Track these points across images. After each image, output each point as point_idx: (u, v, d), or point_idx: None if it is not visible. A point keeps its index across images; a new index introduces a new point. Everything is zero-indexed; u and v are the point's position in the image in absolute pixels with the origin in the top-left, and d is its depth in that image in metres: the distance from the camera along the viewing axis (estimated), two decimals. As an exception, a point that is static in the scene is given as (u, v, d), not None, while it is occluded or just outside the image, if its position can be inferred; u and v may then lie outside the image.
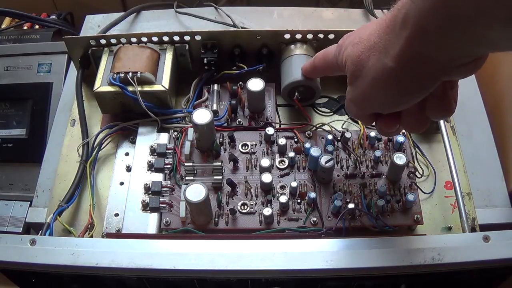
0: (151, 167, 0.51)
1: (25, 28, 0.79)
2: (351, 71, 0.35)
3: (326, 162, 0.47)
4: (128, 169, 0.52)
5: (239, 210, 0.48)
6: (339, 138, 0.52)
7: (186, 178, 0.50)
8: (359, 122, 0.53)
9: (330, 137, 0.51)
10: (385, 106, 0.35)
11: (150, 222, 0.48)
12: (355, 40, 0.35)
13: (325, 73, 0.47)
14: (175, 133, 0.53)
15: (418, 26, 0.28)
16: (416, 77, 0.30)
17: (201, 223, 0.47)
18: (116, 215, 0.49)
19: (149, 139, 0.53)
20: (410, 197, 0.47)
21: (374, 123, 0.39)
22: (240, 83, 0.55)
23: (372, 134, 0.51)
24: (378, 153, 0.50)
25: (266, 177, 0.48)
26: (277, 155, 0.51)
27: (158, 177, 0.51)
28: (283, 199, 0.47)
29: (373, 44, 0.32)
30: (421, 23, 0.27)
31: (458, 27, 0.26)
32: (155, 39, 0.55)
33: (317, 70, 0.48)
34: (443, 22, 0.26)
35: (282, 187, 0.49)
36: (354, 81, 0.35)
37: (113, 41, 0.55)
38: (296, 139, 0.52)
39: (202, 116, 0.49)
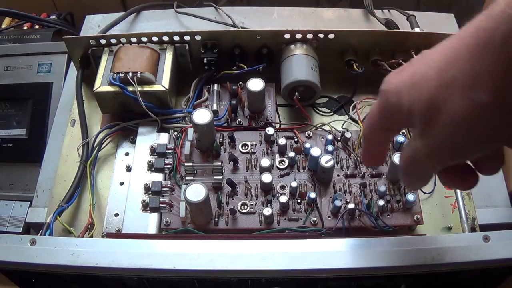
0: (151, 167, 0.51)
1: (25, 28, 0.79)
2: (423, 120, 0.28)
3: (326, 162, 0.47)
4: (128, 169, 0.52)
5: (239, 210, 0.48)
6: (339, 138, 0.52)
7: (186, 178, 0.50)
8: (359, 122, 0.53)
9: (330, 137, 0.51)
10: (473, 151, 0.28)
11: (150, 222, 0.48)
12: (414, 78, 0.28)
13: (384, 142, 0.36)
14: (175, 133, 0.53)
15: None
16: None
17: (201, 223, 0.47)
18: (116, 215, 0.49)
19: (149, 139, 0.53)
20: (410, 197, 0.47)
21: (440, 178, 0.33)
22: (240, 83, 0.55)
23: (372, 134, 0.51)
24: (378, 153, 0.50)
25: (266, 177, 0.48)
26: (277, 155, 0.51)
27: (158, 177, 0.51)
28: (283, 199, 0.47)
29: (451, 79, 0.26)
30: None
31: None
32: (155, 39, 0.55)
33: (373, 146, 0.36)
34: None
35: (282, 187, 0.49)
36: (428, 129, 0.28)
37: (113, 41, 0.55)
38: (296, 139, 0.52)
39: (202, 116, 0.49)
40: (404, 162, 0.32)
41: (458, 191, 0.47)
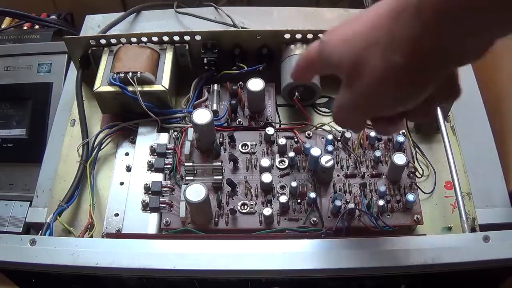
0: (151, 167, 0.51)
1: (25, 28, 0.79)
2: (347, 72, 0.31)
3: (326, 162, 0.47)
4: (128, 169, 0.52)
5: (239, 210, 0.48)
6: (339, 138, 0.52)
7: (186, 178, 0.50)
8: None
9: (330, 137, 0.51)
10: (392, 107, 0.31)
11: (150, 222, 0.48)
12: (346, 36, 0.31)
13: (312, 74, 0.41)
14: (175, 133, 0.53)
15: (436, 13, 0.25)
16: (429, 70, 0.28)
17: (201, 223, 0.47)
18: (116, 215, 0.49)
19: (149, 139, 0.53)
20: (410, 197, 0.47)
21: (371, 123, 0.36)
22: (240, 83, 0.55)
23: (372, 134, 0.51)
24: (378, 153, 0.50)
25: (266, 177, 0.48)
26: (277, 155, 0.51)
27: (158, 177, 0.51)
28: (283, 199, 0.47)
29: (374, 40, 0.29)
30: (440, 9, 0.25)
31: (481, 9, 0.24)
32: (155, 39, 0.55)
33: (302, 71, 0.40)
34: (466, 2, 0.24)
35: (282, 187, 0.49)
36: (353, 83, 0.31)
37: (113, 41, 0.55)
38: (296, 139, 0.52)
39: (202, 116, 0.49)
40: (334, 110, 0.35)
41: (458, 191, 0.47)
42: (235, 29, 0.64)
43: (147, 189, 0.50)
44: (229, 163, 0.51)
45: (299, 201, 0.48)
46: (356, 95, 0.32)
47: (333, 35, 0.32)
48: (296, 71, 0.40)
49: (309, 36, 0.55)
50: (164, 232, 0.48)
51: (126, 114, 0.54)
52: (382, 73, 0.29)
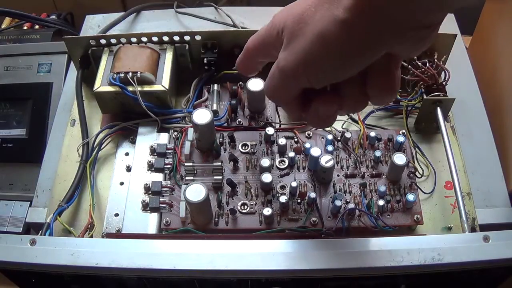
0: (151, 167, 0.51)
1: (25, 28, 0.79)
2: (289, 32, 0.30)
3: (326, 162, 0.47)
4: (128, 169, 0.52)
5: (239, 210, 0.48)
6: (339, 138, 0.52)
7: (186, 178, 0.50)
8: (359, 122, 0.53)
9: (330, 137, 0.51)
10: (326, 72, 0.30)
11: (150, 222, 0.48)
12: (293, 3, 0.31)
13: (260, 56, 0.38)
14: (175, 133, 0.53)
15: None
16: (367, 34, 0.27)
17: (201, 223, 0.47)
18: (116, 215, 0.49)
19: (149, 139, 0.53)
20: (410, 197, 0.47)
21: (306, 114, 0.34)
22: (240, 83, 0.55)
23: (372, 134, 0.51)
24: (378, 153, 0.50)
25: (266, 177, 0.48)
26: (277, 155, 0.51)
27: (158, 177, 0.51)
28: (283, 199, 0.47)
29: None
30: None
31: None
32: (155, 39, 0.55)
33: (250, 54, 0.37)
34: None
35: (282, 187, 0.49)
36: (292, 42, 0.30)
37: (113, 41, 0.55)
38: (296, 139, 0.52)
39: (202, 116, 0.49)
40: (267, 79, 0.33)
41: (458, 191, 0.47)
42: (235, 29, 0.64)
43: (147, 189, 0.50)
44: (229, 163, 0.51)
45: (299, 201, 0.48)
46: (294, 55, 0.30)
47: (283, 9, 0.32)
48: (243, 55, 0.37)
49: (309, 36, 0.55)
50: (164, 232, 0.48)
51: (126, 114, 0.54)
52: (324, 28, 0.28)
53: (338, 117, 0.55)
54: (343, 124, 0.55)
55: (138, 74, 0.51)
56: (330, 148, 0.51)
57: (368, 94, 0.32)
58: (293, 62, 0.30)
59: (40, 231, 0.46)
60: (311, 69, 0.30)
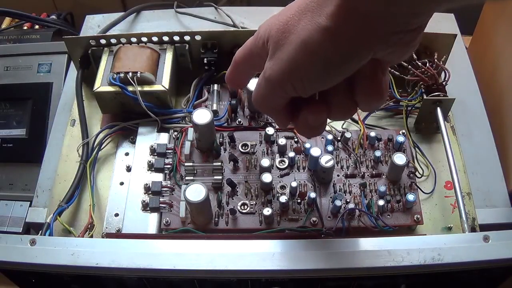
0: (151, 167, 0.51)
1: (25, 28, 0.79)
2: (274, 41, 0.30)
3: (326, 162, 0.47)
4: (128, 169, 0.52)
5: (239, 210, 0.48)
6: (339, 138, 0.52)
7: (186, 178, 0.50)
8: (359, 122, 0.53)
9: (330, 137, 0.51)
10: (311, 80, 0.30)
11: (150, 222, 0.48)
12: (277, 14, 0.31)
13: (248, 67, 0.37)
14: (175, 133, 0.53)
15: None
16: (351, 41, 0.27)
17: (201, 223, 0.47)
18: (116, 215, 0.49)
19: (149, 139, 0.53)
20: (410, 197, 0.47)
21: (294, 124, 0.34)
22: (240, 83, 0.55)
23: (372, 134, 0.51)
24: (378, 153, 0.50)
25: (266, 177, 0.48)
26: (277, 155, 0.51)
27: (158, 177, 0.51)
28: (283, 199, 0.47)
29: (305, 6, 0.29)
30: None
31: None
32: (155, 39, 0.55)
33: (238, 66, 0.37)
34: None
35: (282, 187, 0.49)
36: (277, 51, 0.30)
37: (113, 41, 0.55)
38: (296, 139, 0.52)
39: (202, 116, 0.49)
40: (254, 88, 0.33)
41: (458, 191, 0.47)
42: (235, 29, 0.64)
43: (147, 189, 0.50)
44: (229, 163, 0.51)
45: (299, 201, 0.48)
46: (279, 64, 0.30)
47: (267, 21, 0.32)
48: (232, 69, 0.37)
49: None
50: (164, 232, 0.48)
51: (126, 114, 0.54)
52: (308, 36, 0.28)
53: (338, 117, 0.56)
54: (343, 124, 0.55)
55: (138, 74, 0.51)
56: (330, 148, 0.51)
57: (356, 101, 0.32)
58: (278, 71, 0.30)
59: (40, 231, 0.46)
60: (296, 78, 0.30)
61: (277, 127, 0.54)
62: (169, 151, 0.52)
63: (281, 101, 0.33)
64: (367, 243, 0.40)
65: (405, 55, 0.30)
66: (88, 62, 0.57)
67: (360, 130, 0.52)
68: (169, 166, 0.51)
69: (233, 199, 0.49)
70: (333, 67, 0.29)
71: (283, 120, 0.35)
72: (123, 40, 0.55)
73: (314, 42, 0.28)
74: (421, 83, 0.53)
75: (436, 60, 0.53)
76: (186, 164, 0.50)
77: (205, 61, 0.56)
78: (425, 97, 0.52)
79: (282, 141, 0.51)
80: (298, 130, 0.36)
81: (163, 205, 0.49)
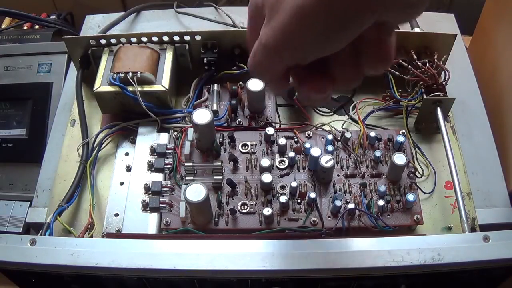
0: (151, 167, 0.51)
1: (25, 28, 0.79)
2: (269, 7, 0.29)
3: (326, 162, 0.47)
4: (128, 169, 0.52)
5: (239, 210, 0.48)
6: (339, 138, 0.52)
7: (186, 178, 0.50)
8: (359, 122, 0.53)
9: (330, 137, 0.51)
10: (309, 48, 0.28)
11: (150, 222, 0.48)
12: None
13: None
14: (175, 133, 0.53)
15: None
16: (348, 4, 0.25)
17: (201, 223, 0.47)
18: (116, 215, 0.49)
19: (149, 139, 0.53)
20: (410, 197, 0.47)
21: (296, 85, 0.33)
22: (240, 83, 0.55)
23: (372, 134, 0.51)
24: (378, 153, 0.50)
25: (266, 177, 0.48)
26: (277, 155, 0.51)
27: (158, 177, 0.51)
28: (283, 199, 0.47)
29: None
30: None
31: None
32: (155, 39, 0.55)
33: (251, 37, 0.34)
34: None
35: (282, 187, 0.49)
36: (272, 17, 0.28)
37: (113, 41, 0.55)
38: (296, 139, 0.52)
39: (202, 116, 0.49)
40: (250, 55, 0.31)
41: (458, 191, 0.47)
42: (235, 29, 0.64)
43: (147, 189, 0.50)
44: (229, 163, 0.51)
45: (299, 201, 0.48)
46: (273, 31, 0.28)
47: None
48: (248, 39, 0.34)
49: (309, 36, 0.55)
50: (164, 232, 0.48)
51: (126, 114, 0.54)
52: (302, 1, 0.26)
53: (338, 117, 0.56)
54: (343, 124, 0.55)
55: (138, 74, 0.51)
56: (330, 148, 0.51)
57: (362, 65, 0.30)
58: (274, 38, 0.28)
59: (40, 231, 0.46)
60: (292, 45, 0.28)
61: (277, 127, 0.54)
62: (169, 151, 0.52)
63: (279, 69, 0.31)
64: (367, 243, 0.40)
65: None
66: (88, 62, 0.57)
67: (360, 130, 0.52)
68: (169, 166, 0.51)
69: (233, 199, 0.49)
70: (331, 34, 0.27)
71: (279, 88, 0.33)
72: (123, 40, 0.55)
73: (308, 7, 0.26)
74: (421, 83, 0.53)
75: (436, 60, 0.53)
76: (186, 164, 0.50)
77: (205, 61, 0.56)
78: (425, 97, 0.52)
79: (282, 141, 0.51)
80: (301, 99, 0.34)
81: (163, 205, 0.49)
